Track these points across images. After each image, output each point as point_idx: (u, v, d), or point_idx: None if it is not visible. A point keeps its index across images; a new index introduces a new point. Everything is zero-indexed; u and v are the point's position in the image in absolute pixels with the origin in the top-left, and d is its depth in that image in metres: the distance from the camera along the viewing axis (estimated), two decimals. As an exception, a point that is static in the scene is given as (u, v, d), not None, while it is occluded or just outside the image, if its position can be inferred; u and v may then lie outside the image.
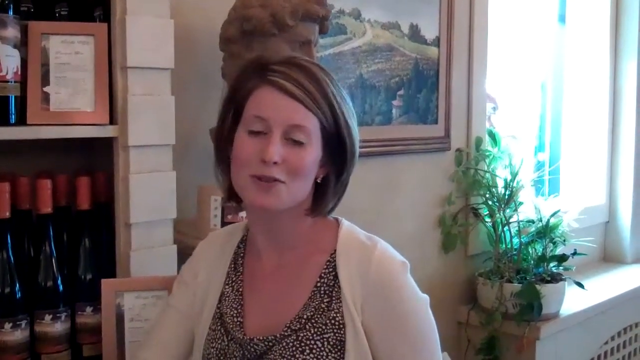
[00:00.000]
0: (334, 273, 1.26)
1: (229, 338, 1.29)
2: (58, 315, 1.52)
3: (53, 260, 1.52)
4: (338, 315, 1.22)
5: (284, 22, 1.68)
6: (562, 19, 3.58)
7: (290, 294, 1.28)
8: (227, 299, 1.33)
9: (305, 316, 1.24)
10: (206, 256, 1.41)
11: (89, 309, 1.57)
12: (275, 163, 1.17)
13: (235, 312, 1.31)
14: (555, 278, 2.77)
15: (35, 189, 1.52)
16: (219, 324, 1.32)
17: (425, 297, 1.27)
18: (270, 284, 1.31)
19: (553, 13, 3.56)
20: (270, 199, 1.20)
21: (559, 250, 2.85)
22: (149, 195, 1.60)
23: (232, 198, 1.31)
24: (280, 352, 1.23)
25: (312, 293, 1.26)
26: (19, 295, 1.47)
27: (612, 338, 3.16)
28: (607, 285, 3.24)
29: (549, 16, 3.54)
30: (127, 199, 1.57)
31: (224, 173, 1.30)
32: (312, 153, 1.21)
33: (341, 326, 1.22)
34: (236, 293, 1.33)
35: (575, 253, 2.84)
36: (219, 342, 1.31)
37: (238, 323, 1.30)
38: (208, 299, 1.36)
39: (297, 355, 1.22)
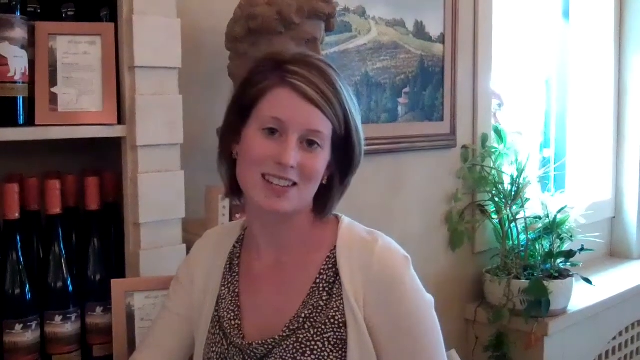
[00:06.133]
0: (334, 269, 1.24)
1: (229, 342, 1.28)
2: (68, 315, 1.52)
3: (62, 260, 1.52)
4: (338, 313, 1.21)
5: (290, 20, 1.68)
6: (566, 14, 3.57)
7: (288, 292, 1.26)
8: (223, 301, 1.32)
9: (303, 315, 1.22)
10: (202, 256, 1.40)
11: (99, 310, 1.56)
12: (291, 167, 1.17)
13: (233, 314, 1.30)
14: (562, 274, 2.77)
15: (44, 189, 1.52)
16: (217, 327, 1.31)
17: (430, 298, 1.26)
18: (267, 283, 1.30)
19: (557, 9, 3.55)
20: (282, 203, 1.19)
21: (566, 246, 2.84)
22: (158, 194, 1.59)
23: (233, 194, 1.30)
24: (281, 354, 1.21)
25: (311, 290, 1.24)
26: (29, 296, 1.47)
27: (620, 333, 3.16)
28: (615, 280, 3.24)
29: (553, 12, 3.53)
30: (135, 198, 1.57)
31: (226, 168, 1.29)
32: (325, 157, 1.22)
33: (341, 325, 1.20)
34: (232, 295, 1.32)
35: (582, 249, 2.83)
36: (218, 346, 1.29)
37: (236, 326, 1.28)
38: (206, 301, 1.34)
39: (297, 357, 1.20)
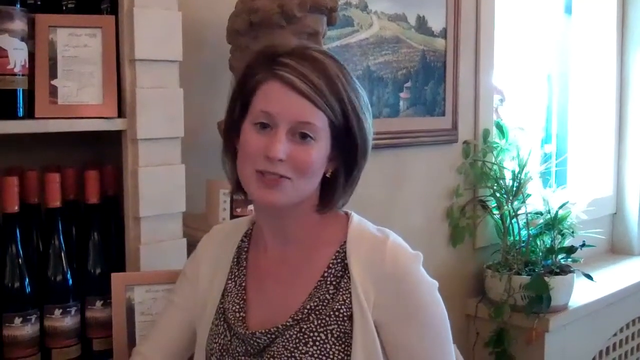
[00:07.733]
0: (342, 264, 1.24)
1: (232, 333, 1.28)
2: (68, 309, 1.51)
3: (62, 254, 1.52)
4: (343, 307, 1.21)
5: (291, 14, 1.67)
6: (568, 10, 3.57)
7: (295, 286, 1.26)
8: (229, 294, 1.32)
9: (309, 306, 1.22)
10: (209, 251, 1.40)
11: (98, 303, 1.56)
12: (280, 160, 1.16)
13: (238, 307, 1.30)
14: (563, 270, 2.76)
15: (43, 182, 1.51)
16: (221, 319, 1.31)
17: (435, 282, 1.26)
18: (274, 277, 1.29)
19: (559, 4, 3.54)
20: (275, 195, 1.18)
21: (567, 242, 2.84)
22: (158, 188, 1.59)
23: (239, 190, 1.30)
24: (283, 344, 1.21)
25: (318, 283, 1.24)
26: (28, 289, 1.47)
27: (621, 330, 3.16)
28: (616, 277, 3.23)
29: (555, 7, 3.53)
30: (136, 192, 1.56)
31: (230, 164, 1.29)
32: (320, 150, 1.20)
33: (346, 318, 1.20)
34: (239, 288, 1.32)
35: (583, 245, 2.83)
36: (221, 337, 1.29)
37: (240, 318, 1.28)
38: (211, 294, 1.34)
39: (300, 347, 1.20)
